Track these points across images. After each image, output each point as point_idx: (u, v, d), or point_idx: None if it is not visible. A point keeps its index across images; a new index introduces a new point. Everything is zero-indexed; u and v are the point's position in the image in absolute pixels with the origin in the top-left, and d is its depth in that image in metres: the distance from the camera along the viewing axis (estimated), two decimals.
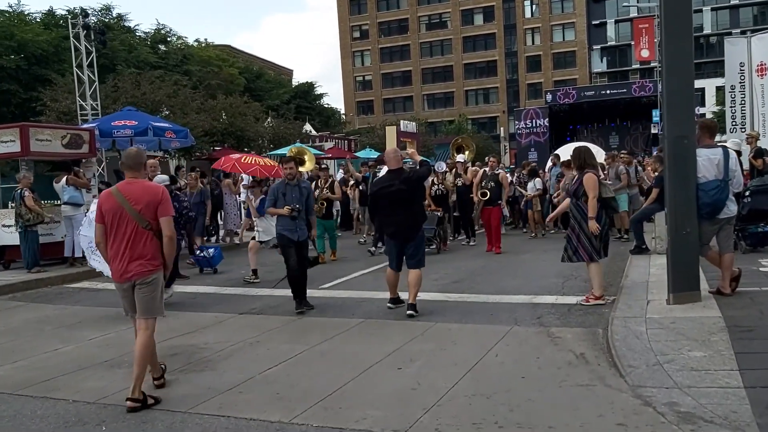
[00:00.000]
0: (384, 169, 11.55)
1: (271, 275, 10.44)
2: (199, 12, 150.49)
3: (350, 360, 5.93)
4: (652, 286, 8.05)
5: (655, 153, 25.02)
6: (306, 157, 12.67)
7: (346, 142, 36.71)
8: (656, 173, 11.53)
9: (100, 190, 14.75)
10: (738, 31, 59.82)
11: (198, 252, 11.68)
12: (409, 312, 7.42)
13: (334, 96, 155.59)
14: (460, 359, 5.77)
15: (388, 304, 7.79)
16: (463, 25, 78.53)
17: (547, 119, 38.01)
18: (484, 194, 13.02)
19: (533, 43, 77.16)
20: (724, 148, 7.08)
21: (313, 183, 12.30)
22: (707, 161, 6.87)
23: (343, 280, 10.27)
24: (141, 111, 20.88)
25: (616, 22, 74.27)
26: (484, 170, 13.63)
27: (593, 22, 75.05)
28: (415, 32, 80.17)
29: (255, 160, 12.29)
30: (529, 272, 10.25)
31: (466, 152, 14.13)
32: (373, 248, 13.05)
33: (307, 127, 36.63)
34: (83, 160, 12.89)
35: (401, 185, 7.53)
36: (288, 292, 9.36)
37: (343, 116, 66.09)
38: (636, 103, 38.21)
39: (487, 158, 14.91)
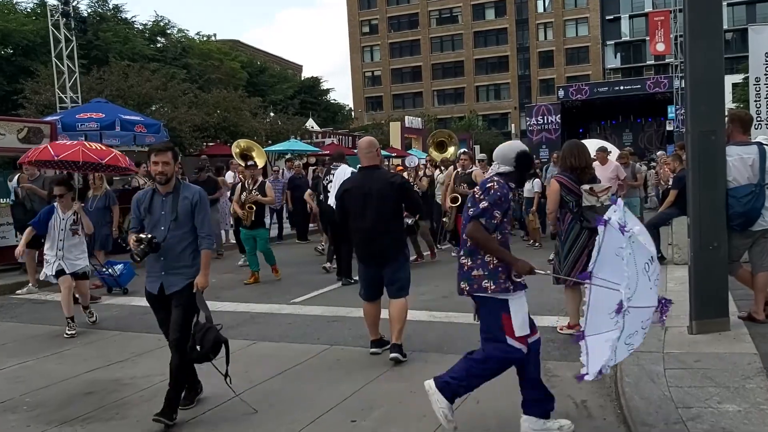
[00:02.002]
0: (342, 169, 9.53)
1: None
2: (214, 7, 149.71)
3: (296, 405, 4.81)
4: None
5: (673, 150, 23.65)
6: (255, 153, 11.21)
7: (350, 138, 35.57)
8: (675, 173, 10.33)
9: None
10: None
11: (104, 269, 9.74)
12: (393, 355, 5.70)
13: (343, 92, 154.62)
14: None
15: (371, 350, 5.96)
16: (474, 20, 77.14)
17: (559, 116, 36.94)
18: (454, 200, 10.72)
19: (546, 38, 75.66)
20: (760, 145, 5.84)
21: (239, 185, 10.52)
22: (739, 161, 5.68)
23: (319, 293, 9.13)
24: (129, 104, 20.02)
25: (631, 17, 72.67)
26: (457, 171, 11.20)
27: (607, 17, 73.43)
28: (425, 27, 78.88)
29: (99, 146, 8.99)
30: (529, 286, 9.01)
31: (450, 148, 11.97)
32: (328, 264, 10.86)
33: (310, 122, 35.53)
34: None
35: (375, 190, 5.75)
36: (252, 307, 8.34)
37: (351, 112, 65.03)
38: (650, 99, 37.05)
39: (459, 154, 12.29)
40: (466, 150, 11.38)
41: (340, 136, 33.94)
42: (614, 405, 4.55)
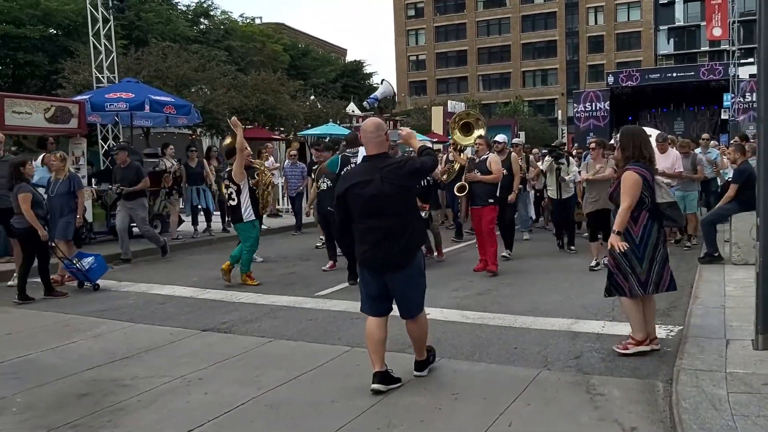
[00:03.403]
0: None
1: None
2: None
3: (304, 420, 4.30)
4: (730, 316, 6.16)
5: (726, 140, 22.45)
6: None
7: (391, 123, 34.98)
8: (735, 165, 9.51)
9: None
10: None
11: (72, 262, 8.71)
12: (416, 373, 4.99)
13: (387, 77, 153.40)
14: (457, 430, 4.07)
15: (373, 386, 4.68)
16: (522, 3, 75.44)
17: (608, 102, 35.79)
18: (461, 189, 9.46)
19: (596, 22, 73.60)
20: None
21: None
22: None
23: (346, 286, 8.60)
24: (168, 85, 19.76)
25: (685, 1, 70.11)
26: (472, 157, 9.74)
27: (660, 2, 70.97)
28: (472, 10, 77.50)
29: None
30: (573, 284, 8.37)
31: (476, 131, 9.58)
32: (329, 265, 9.86)
33: (351, 106, 35.02)
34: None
35: (383, 183, 4.65)
36: (273, 300, 7.89)
37: (395, 95, 64.30)
38: (704, 87, 35.58)
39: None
40: (482, 134, 9.87)
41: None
42: None
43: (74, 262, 8.70)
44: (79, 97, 13.13)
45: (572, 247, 11.01)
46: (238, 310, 7.43)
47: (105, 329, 6.74)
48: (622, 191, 5.23)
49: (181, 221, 13.63)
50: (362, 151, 8.37)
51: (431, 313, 6.30)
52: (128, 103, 12.27)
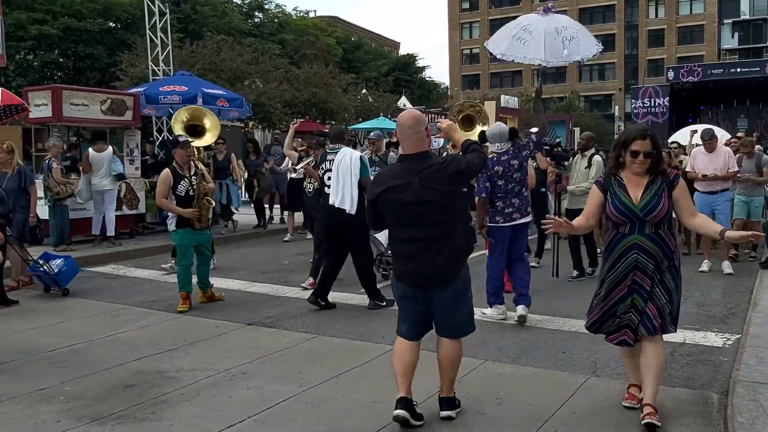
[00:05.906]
0: (344, 155, 7.29)
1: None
2: None
3: (345, 420, 4.26)
4: None
5: None
6: (207, 125, 8.20)
7: (443, 117, 34.76)
8: None
9: (153, 165, 13.71)
10: None
11: (38, 265, 7.91)
12: (443, 414, 4.20)
13: (440, 70, 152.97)
14: None
15: (396, 412, 4.07)
16: None
17: (667, 98, 34.85)
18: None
19: (656, 15, 71.61)
20: None
21: (169, 174, 7.27)
22: None
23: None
24: (222, 78, 20.03)
25: None
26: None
27: None
28: (527, 3, 76.13)
29: None
30: None
31: (478, 127, 7.92)
32: (310, 281, 8.27)
33: (403, 100, 34.92)
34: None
35: (423, 187, 4.01)
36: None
37: (447, 90, 63.96)
38: None
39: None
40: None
41: (432, 115, 33.17)
42: None
43: (41, 264, 7.91)
44: (134, 90, 13.41)
45: (590, 270, 8.88)
46: (283, 305, 7.45)
47: (153, 320, 6.85)
48: (688, 203, 4.25)
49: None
50: (345, 150, 7.44)
51: (476, 313, 6.20)
52: (181, 95, 12.48)
